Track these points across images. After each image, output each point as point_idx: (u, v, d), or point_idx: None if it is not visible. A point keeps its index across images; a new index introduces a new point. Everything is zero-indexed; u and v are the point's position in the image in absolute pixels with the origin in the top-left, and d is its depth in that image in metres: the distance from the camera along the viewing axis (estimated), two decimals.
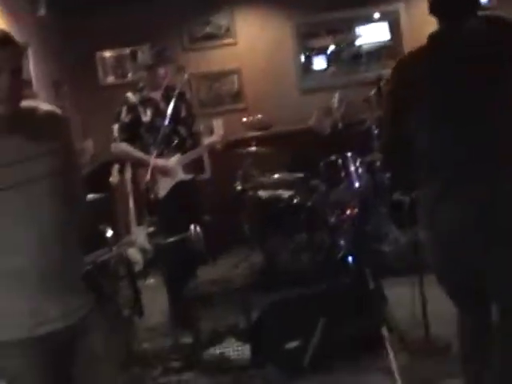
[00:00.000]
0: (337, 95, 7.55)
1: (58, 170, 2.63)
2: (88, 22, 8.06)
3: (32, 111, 2.65)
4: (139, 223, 6.19)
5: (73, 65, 8.01)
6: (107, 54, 8.53)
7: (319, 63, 8.89)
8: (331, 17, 8.73)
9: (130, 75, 8.54)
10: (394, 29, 8.88)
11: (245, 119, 6.55)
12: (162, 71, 5.77)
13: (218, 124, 8.07)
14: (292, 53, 8.67)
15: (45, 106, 2.73)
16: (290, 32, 8.61)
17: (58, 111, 2.77)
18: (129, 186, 6.45)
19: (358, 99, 7.47)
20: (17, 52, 2.48)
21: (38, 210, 2.57)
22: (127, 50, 8.51)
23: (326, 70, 8.87)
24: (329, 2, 8.50)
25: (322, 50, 8.86)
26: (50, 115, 2.71)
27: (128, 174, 6.35)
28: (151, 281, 6.36)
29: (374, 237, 6.58)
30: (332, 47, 8.82)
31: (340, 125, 7.36)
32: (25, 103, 2.62)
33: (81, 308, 2.69)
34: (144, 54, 5.93)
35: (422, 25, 8.27)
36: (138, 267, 5.57)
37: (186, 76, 5.90)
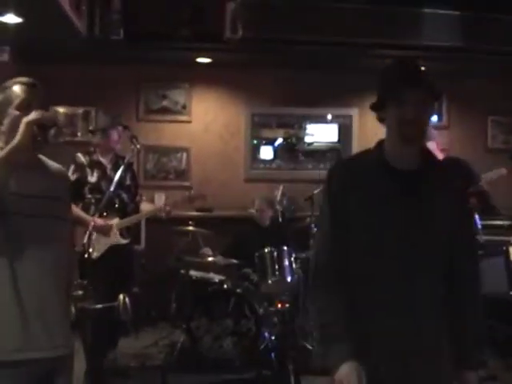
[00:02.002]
0: (280, 188, 7.66)
1: (64, 215, 2.92)
2: (48, 74, 8.01)
3: (47, 163, 2.95)
4: None
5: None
6: (61, 109, 8.50)
7: (266, 153, 9.00)
8: (285, 111, 8.91)
9: (79, 134, 8.52)
10: (345, 132, 9.07)
11: (189, 193, 6.62)
12: (115, 136, 5.85)
13: (160, 197, 8.12)
14: (243, 140, 8.77)
15: (55, 164, 3.01)
16: (245, 119, 8.74)
17: (64, 169, 3.14)
18: None
19: (302, 196, 7.58)
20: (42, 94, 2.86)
21: (47, 245, 2.79)
22: (80, 110, 8.51)
23: (272, 161, 8.98)
24: (285, 97, 8.68)
25: (270, 141, 8.99)
26: (60, 170, 3.03)
27: None
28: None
29: (299, 333, 6.59)
30: (280, 140, 8.95)
31: (280, 218, 7.44)
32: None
33: (65, 347, 2.88)
34: (99, 117, 5.97)
35: (373, 132, 8.69)
36: None
37: (138, 146, 5.93)
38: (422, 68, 2.56)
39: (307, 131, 9.03)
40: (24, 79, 2.88)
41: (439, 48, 7.44)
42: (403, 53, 7.37)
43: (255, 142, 8.91)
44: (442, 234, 2.58)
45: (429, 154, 2.67)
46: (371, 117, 8.14)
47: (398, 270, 2.51)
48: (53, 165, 2.98)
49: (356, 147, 8.85)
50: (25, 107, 2.73)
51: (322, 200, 2.74)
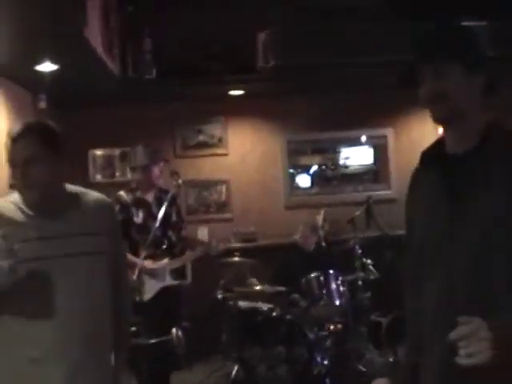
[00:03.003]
0: (322, 213, 7.69)
1: (100, 250, 2.87)
2: (84, 118, 8.21)
3: (81, 196, 2.94)
4: None
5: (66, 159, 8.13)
6: (98, 152, 8.66)
7: (303, 181, 9.07)
8: (319, 136, 8.96)
9: (117, 175, 8.66)
10: (381, 153, 9.09)
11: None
12: (156, 171, 5.86)
13: (202, 232, 8.18)
14: (281, 168, 8.84)
15: (95, 192, 3.03)
16: (280, 147, 8.80)
17: (107, 199, 3.07)
18: None
19: (343, 219, 7.61)
20: (31, 143, 2.74)
21: (77, 286, 2.76)
22: (117, 151, 8.65)
23: (311, 187, 9.03)
24: (319, 121, 8.73)
25: (306, 169, 9.06)
26: (98, 201, 2.98)
27: None
28: None
29: (352, 356, 6.58)
30: (315, 167, 9.01)
31: (324, 242, 7.47)
32: (77, 189, 2.97)
33: None
34: (139, 153, 5.97)
35: (410, 149, 8.70)
36: None
37: (180, 181, 6.00)
38: (459, 32, 2.26)
39: (342, 155, 9.08)
40: (13, 131, 2.81)
41: None
42: None
43: (291, 170, 8.98)
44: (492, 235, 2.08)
45: (493, 129, 2.17)
46: (406, 135, 8.21)
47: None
48: (89, 198, 2.95)
49: (393, 167, 8.86)
50: (12, 165, 2.78)
51: None
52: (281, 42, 6.59)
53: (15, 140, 2.75)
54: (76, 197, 2.91)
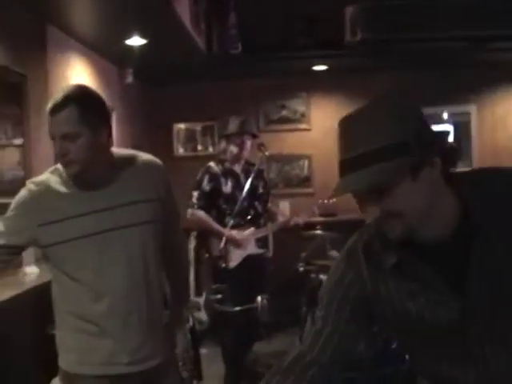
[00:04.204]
0: None
1: (154, 217, 2.78)
2: (169, 93, 8.36)
3: (130, 161, 2.80)
4: (199, 293, 6.24)
5: (151, 132, 8.33)
6: (181, 126, 8.82)
7: None
8: None
9: (199, 148, 8.86)
10: (463, 130, 9.00)
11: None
12: (247, 142, 5.89)
13: (284, 206, 8.24)
14: None
15: (144, 155, 2.88)
16: None
17: (157, 160, 2.91)
18: (191, 255, 6.54)
19: None
20: (69, 117, 2.56)
21: (132, 256, 2.72)
22: (199, 125, 8.80)
23: None
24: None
25: None
26: (148, 164, 2.85)
27: (192, 244, 6.45)
28: (204, 351, 6.40)
29: None
30: None
31: None
32: (125, 152, 2.85)
33: (151, 358, 2.80)
34: (232, 123, 5.95)
35: (492, 127, 8.60)
36: (203, 327, 5.56)
37: (266, 153, 6.06)
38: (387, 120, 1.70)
39: None
40: (53, 100, 2.63)
41: None
42: None
43: None
44: None
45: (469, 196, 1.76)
46: (490, 112, 8.12)
47: None
48: (140, 162, 2.84)
49: (476, 144, 8.77)
50: (52, 138, 2.63)
51: None
52: (369, 16, 6.58)
53: (54, 111, 2.58)
54: (124, 162, 2.78)
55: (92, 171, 2.65)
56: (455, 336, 1.78)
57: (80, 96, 2.61)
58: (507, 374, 1.78)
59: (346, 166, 1.70)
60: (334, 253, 6.99)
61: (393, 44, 7.01)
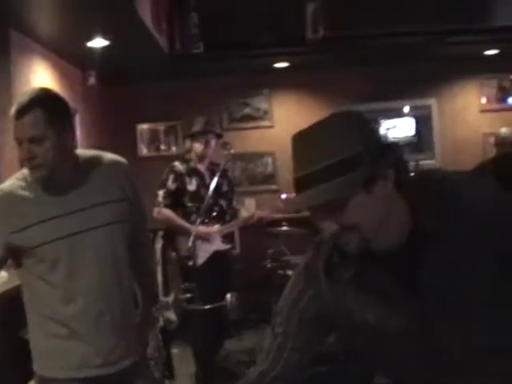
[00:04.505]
0: None
1: (123, 217, 2.79)
2: (132, 93, 8.35)
3: (95, 162, 2.80)
4: (167, 292, 6.27)
5: (115, 133, 8.30)
6: (144, 126, 8.81)
7: None
8: (364, 108, 8.94)
9: (162, 148, 8.87)
10: (424, 123, 9.11)
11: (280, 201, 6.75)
12: (212, 141, 5.95)
13: (250, 203, 8.28)
14: None
15: (109, 155, 2.88)
16: None
17: (123, 160, 2.92)
18: (158, 255, 6.56)
19: None
20: (35, 121, 2.55)
21: (103, 256, 2.73)
22: (162, 125, 8.81)
23: None
24: (363, 93, 8.74)
25: None
26: (114, 165, 2.86)
27: (159, 244, 6.49)
28: (175, 350, 6.41)
29: None
30: None
31: None
32: (90, 153, 2.84)
33: (125, 358, 2.81)
34: (198, 122, 6.03)
35: (453, 120, 8.72)
36: (172, 327, 5.58)
37: (232, 152, 6.10)
38: (338, 139, 1.72)
39: (382, 126, 9.10)
40: (17, 103, 2.62)
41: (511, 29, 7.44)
42: (475, 38, 7.45)
43: None
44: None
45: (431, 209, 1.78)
46: (449, 106, 8.25)
47: None
48: (104, 162, 2.82)
49: (437, 137, 8.89)
50: (18, 142, 2.61)
51: None
52: (330, 12, 6.66)
53: (19, 115, 2.56)
54: (90, 163, 2.77)
55: (58, 174, 2.65)
56: (414, 341, 1.81)
57: (45, 99, 2.62)
58: (466, 374, 1.83)
59: (301, 183, 1.73)
60: (297, 252, 7.06)
61: (354, 40, 7.09)
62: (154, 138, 8.88)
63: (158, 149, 8.88)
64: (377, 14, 6.74)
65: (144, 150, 8.86)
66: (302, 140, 1.78)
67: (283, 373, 1.98)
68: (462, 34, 7.33)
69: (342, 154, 1.67)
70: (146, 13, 5.60)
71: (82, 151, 2.82)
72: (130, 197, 2.85)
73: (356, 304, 1.84)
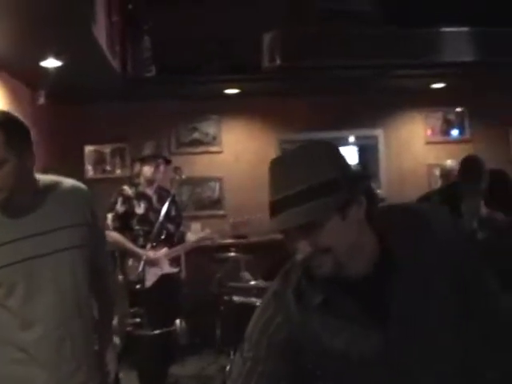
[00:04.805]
0: None
1: (83, 241, 2.76)
2: (82, 114, 8.29)
3: (55, 186, 2.77)
4: None
5: (63, 154, 8.22)
6: (91, 148, 8.75)
7: None
8: (311, 136, 9.03)
9: (107, 170, 8.83)
10: (370, 153, 9.25)
11: (233, 219, 6.77)
12: (161, 166, 6.02)
13: (196, 227, 8.28)
14: None
15: (68, 180, 2.85)
16: (274, 146, 8.92)
17: (82, 185, 2.90)
18: None
19: None
20: None
21: (63, 281, 2.69)
22: (109, 147, 8.76)
23: None
24: (311, 122, 8.83)
25: None
26: (73, 190, 2.83)
27: None
28: (120, 375, 6.35)
29: None
30: None
31: None
32: (49, 178, 2.79)
33: None
34: (148, 146, 6.10)
35: (398, 151, 8.87)
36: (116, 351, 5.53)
37: (183, 177, 6.14)
38: (311, 165, 1.78)
39: None
40: None
41: (457, 64, 7.65)
42: (422, 72, 7.65)
43: None
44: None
45: (393, 241, 1.86)
46: (395, 136, 8.40)
47: None
48: (64, 187, 2.80)
49: (383, 167, 9.03)
50: None
51: None
52: (288, 43, 6.76)
53: None
54: (49, 187, 2.74)
55: (18, 197, 2.60)
56: (381, 368, 1.87)
57: (4, 121, 2.58)
58: None
59: (275, 206, 1.78)
60: (246, 274, 7.07)
61: (306, 71, 7.20)
62: (99, 160, 8.82)
63: (103, 171, 8.83)
64: (329, 46, 6.87)
65: (90, 172, 8.79)
66: (278, 165, 1.85)
67: None
68: (410, 67, 7.52)
69: (315, 180, 1.74)
70: (101, 35, 5.59)
71: (42, 176, 2.79)
72: (90, 222, 2.84)
73: (324, 329, 1.89)
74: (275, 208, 1.79)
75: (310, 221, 1.73)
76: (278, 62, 6.73)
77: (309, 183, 1.74)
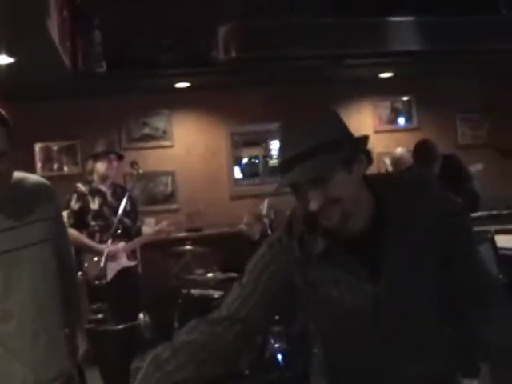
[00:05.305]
0: (265, 202, 7.83)
1: (51, 235, 2.82)
2: (34, 112, 8.20)
3: (21, 182, 2.81)
4: None
5: (14, 152, 8.10)
6: (40, 145, 8.66)
7: (246, 172, 9.24)
8: (261, 128, 9.11)
9: (55, 168, 8.77)
10: None
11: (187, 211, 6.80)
12: (114, 161, 6.06)
13: (150, 222, 8.27)
14: (225, 159, 9.01)
15: (33, 176, 2.92)
16: (225, 139, 8.97)
17: (46, 181, 2.94)
18: None
19: (287, 208, 7.78)
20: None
21: (36, 274, 2.74)
22: (57, 144, 8.68)
23: (254, 176, 9.20)
24: (262, 114, 8.89)
25: (249, 159, 9.23)
26: (39, 185, 2.87)
27: None
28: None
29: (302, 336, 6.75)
30: (245, 159, 9.22)
31: (269, 231, 7.62)
32: (14, 174, 2.80)
33: (58, 379, 2.82)
34: (100, 143, 6.14)
35: None
36: None
37: (140, 171, 6.15)
38: (322, 126, 2.01)
39: (271, 147, 9.26)
40: None
41: (404, 53, 7.79)
42: (372, 60, 7.76)
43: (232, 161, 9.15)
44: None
45: (384, 199, 2.10)
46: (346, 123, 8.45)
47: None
48: (29, 183, 2.85)
49: None
50: None
51: None
52: (243, 35, 6.81)
53: None
54: (16, 183, 2.77)
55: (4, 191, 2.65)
56: (369, 319, 2.09)
57: (4, 114, 2.69)
58: (412, 355, 2.14)
59: (290, 161, 1.97)
60: (200, 270, 7.12)
61: (263, 61, 7.26)
62: (49, 158, 8.74)
63: (51, 168, 8.75)
64: (286, 37, 6.95)
65: (39, 169, 8.71)
66: (289, 126, 2.08)
67: (247, 317, 2.15)
68: (359, 57, 7.62)
69: (324, 138, 1.96)
70: (54, 31, 5.55)
71: None
72: (56, 216, 2.90)
73: (322, 277, 2.13)
74: (287, 165, 1.98)
75: (321, 174, 1.95)
76: (234, 54, 6.78)
77: (318, 141, 1.95)
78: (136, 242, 6.23)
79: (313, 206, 1.97)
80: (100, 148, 6.13)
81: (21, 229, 2.71)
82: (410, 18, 7.78)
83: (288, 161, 1.97)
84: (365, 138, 2.09)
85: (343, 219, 2.00)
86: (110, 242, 5.68)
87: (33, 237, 2.73)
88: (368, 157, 2.07)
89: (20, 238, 2.70)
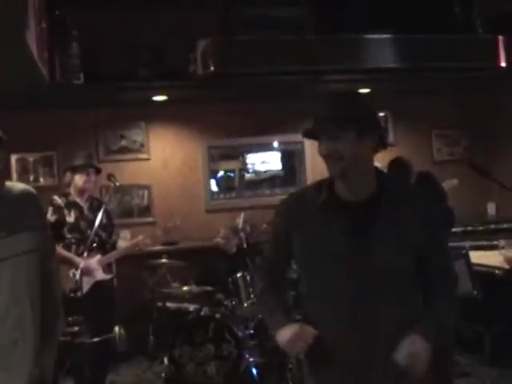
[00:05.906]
0: (242, 216, 7.85)
1: (38, 245, 2.80)
2: (10, 123, 8.08)
3: (7, 190, 2.78)
4: None
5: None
6: (16, 156, 8.58)
7: (223, 185, 9.25)
8: (238, 142, 9.14)
9: (31, 179, 8.65)
10: (298, 158, 9.37)
11: (164, 224, 6.79)
12: (92, 175, 6.06)
13: (125, 235, 8.22)
14: (201, 172, 9.02)
15: (19, 184, 2.90)
16: (201, 152, 8.97)
17: (32, 189, 2.92)
18: None
19: (262, 221, 7.79)
20: None
21: (19, 284, 2.73)
22: (33, 156, 8.63)
23: (231, 190, 9.21)
24: (238, 128, 8.93)
25: (226, 172, 9.25)
26: (26, 193, 2.85)
27: None
28: None
29: (278, 351, 6.75)
30: (221, 173, 9.24)
31: (245, 244, 7.63)
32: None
33: None
34: (79, 156, 6.14)
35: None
36: None
37: (117, 184, 6.15)
38: (353, 101, 2.61)
39: (249, 160, 9.28)
40: None
41: (381, 70, 7.88)
42: (349, 77, 7.81)
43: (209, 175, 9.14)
44: (395, 265, 2.57)
45: (385, 179, 2.67)
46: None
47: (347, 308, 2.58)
48: (17, 191, 2.85)
49: (310, 171, 9.15)
50: None
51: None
52: (221, 50, 6.85)
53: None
54: (2, 192, 2.77)
55: None
56: (353, 264, 2.55)
57: None
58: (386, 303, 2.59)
59: (323, 119, 2.57)
60: (175, 284, 7.11)
61: (241, 76, 7.29)
62: (24, 169, 8.69)
63: (27, 180, 8.68)
64: (266, 52, 7.02)
65: (15, 181, 8.64)
66: (336, 98, 2.65)
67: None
68: (336, 73, 7.69)
69: (349, 113, 2.54)
70: (32, 42, 5.53)
71: None
72: (41, 225, 2.88)
73: (318, 227, 2.64)
74: (319, 120, 2.58)
75: (332, 129, 2.52)
76: (212, 68, 6.81)
77: (349, 113, 2.53)
78: (112, 256, 6.22)
79: (321, 151, 2.57)
80: (79, 161, 6.13)
81: (7, 239, 2.68)
82: (387, 36, 7.87)
83: (321, 118, 2.57)
84: (380, 119, 2.78)
85: (341, 174, 2.56)
86: (85, 254, 5.68)
87: (18, 247, 2.71)
88: (381, 139, 2.63)
89: (5, 248, 2.67)
